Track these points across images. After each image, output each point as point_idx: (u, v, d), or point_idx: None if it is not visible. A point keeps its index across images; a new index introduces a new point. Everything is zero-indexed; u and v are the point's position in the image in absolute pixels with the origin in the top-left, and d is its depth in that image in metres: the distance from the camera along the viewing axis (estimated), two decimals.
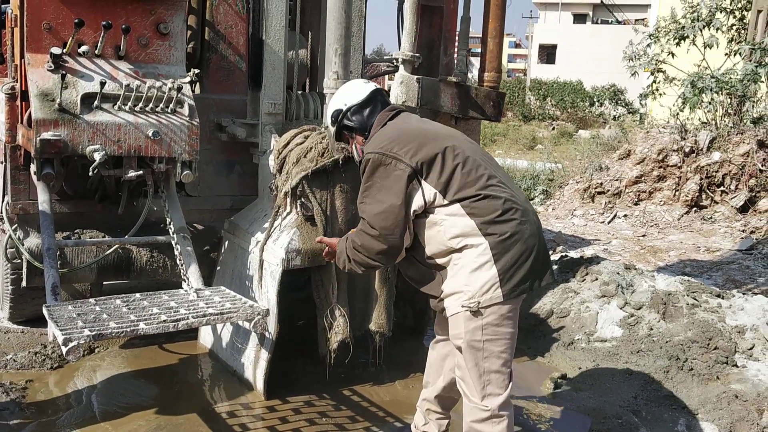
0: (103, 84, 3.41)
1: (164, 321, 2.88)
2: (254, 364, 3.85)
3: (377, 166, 2.74)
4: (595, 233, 8.79)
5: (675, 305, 4.80)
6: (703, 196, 9.09)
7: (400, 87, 4.41)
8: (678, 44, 10.96)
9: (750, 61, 9.96)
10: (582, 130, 24.32)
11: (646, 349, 4.44)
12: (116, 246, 3.90)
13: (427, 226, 2.77)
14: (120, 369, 4.03)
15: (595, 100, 29.15)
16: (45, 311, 2.99)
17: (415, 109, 4.35)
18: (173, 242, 3.75)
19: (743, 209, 8.77)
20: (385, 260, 2.84)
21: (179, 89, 3.57)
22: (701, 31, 10.78)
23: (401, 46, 4.41)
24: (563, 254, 6.44)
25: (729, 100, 9.69)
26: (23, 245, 3.83)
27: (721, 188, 9.04)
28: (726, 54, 11.16)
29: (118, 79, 3.63)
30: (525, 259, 2.69)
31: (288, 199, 3.79)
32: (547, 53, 37.03)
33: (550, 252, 5.63)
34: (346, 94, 3.02)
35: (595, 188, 9.62)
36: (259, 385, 3.79)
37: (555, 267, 5.61)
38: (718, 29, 10.78)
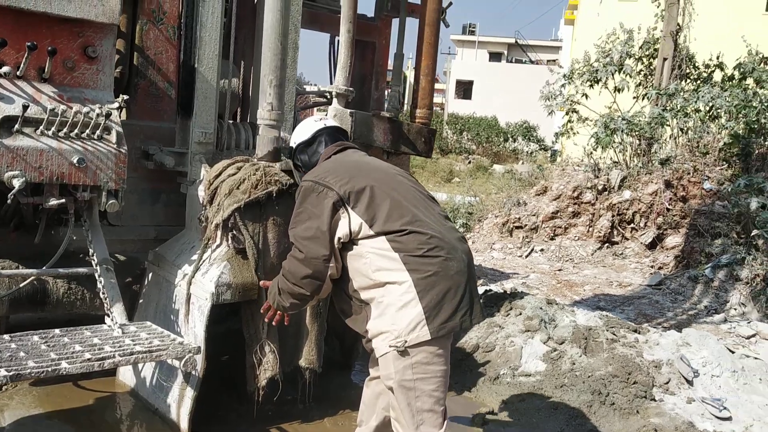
0: (26, 107, 3.24)
1: (88, 359, 2.73)
2: (178, 401, 3.69)
3: (309, 192, 2.80)
4: (514, 267, 8.98)
5: (595, 340, 4.94)
6: (615, 233, 9.46)
7: (334, 120, 4.39)
8: (591, 86, 11.48)
9: (656, 105, 10.53)
10: (497, 165, 25.01)
11: (569, 383, 4.53)
12: (33, 278, 3.68)
13: (353, 258, 2.79)
14: (31, 409, 3.79)
15: (509, 135, 30.08)
16: None
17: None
18: (96, 274, 3.58)
19: (652, 246, 9.18)
20: (309, 287, 2.81)
21: (108, 115, 3.44)
22: (613, 75, 11.33)
23: (335, 79, 4.41)
24: (487, 288, 6.54)
25: (638, 141, 10.18)
26: None
27: (631, 225, 9.43)
28: (634, 98, 11.77)
29: (42, 103, 3.46)
30: (452, 296, 2.68)
31: (219, 231, 3.70)
32: (464, 89, 38.02)
33: None
34: (296, 132, 3.19)
35: (513, 223, 9.86)
36: (183, 424, 3.63)
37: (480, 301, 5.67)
38: (627, 74, 11.36)
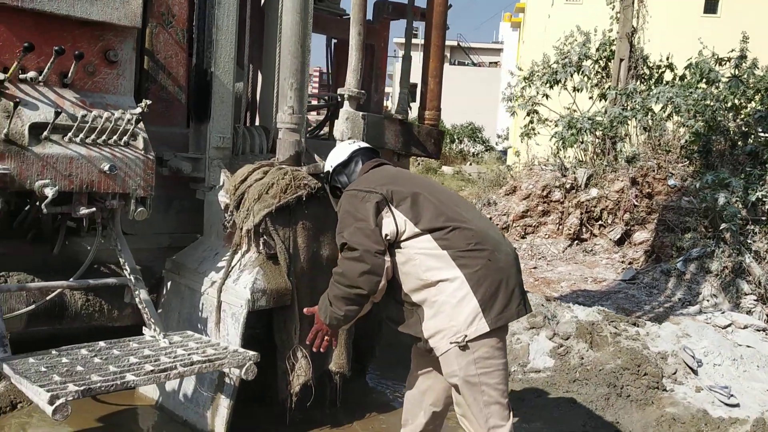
0: (58, 113, 3.13)
1: (152, 371, 2.65)
2: (213, 412, 3.62)
3: (351, 199, 2.83)
4: None
5: (599, 334, 5.06)
6: (584, 230, 9.69)
7: (346, 123, 4.39)
8: (551, 87, 11.74)
9: (614, 105, 10.84)
10: (445, 166, 25.23)
11: (581, 378, 4.64)
12: (58, 290, 3.55)
13: (401, 262, 2.79)
14: (55, 426, 3.65)
15: (455, 137, 30.39)
16: (4, 366, 2.67)
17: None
18: (130, 284, 3.48)
19: (620, 242, 9.44)
20: (367, 284, 2.72)
21: (138, 121, 3.35)
22: (571, 75, 11.62)
23: (347, 82, 4.40)
24: None
25: (602, 140, 10.46)
26: None
27: (600, 222, 9.68)
28: (590, 98, 12.09)
29: (66, 109, 3.35)
30: (504, 286, 2.72)
31: (249, 237, 3.64)
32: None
33: None
34: (331, 156, 3.18)
35: None
36: None
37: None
38: (585, 75, 11.66)
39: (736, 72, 10.04)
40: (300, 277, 3.69)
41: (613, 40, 11.67)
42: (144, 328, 3.40)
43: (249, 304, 3.48)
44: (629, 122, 10.31)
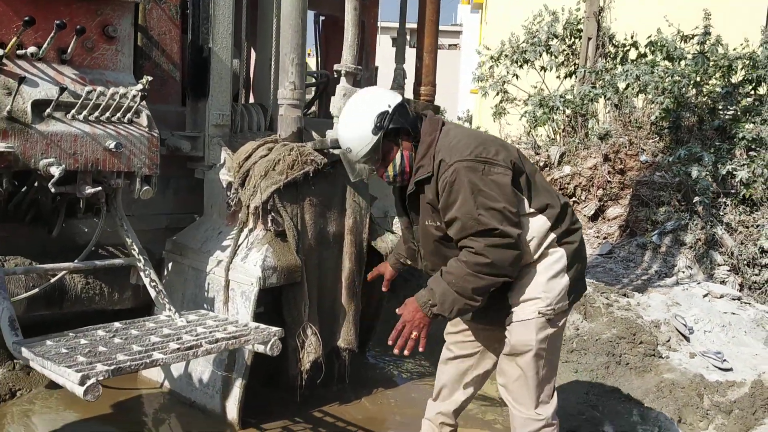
0: (63, 89, 3.03)
1: (178, 349, 2.60)
2: (224, 392, 3.58)
3: (474, 171, 2.43)
4: None
5: (592, 305, 5.14)
6: None
7: (343, 99, 4.32)
8: (521, 67, 11.80)
9: (583, 83, 10.95)
10: None
11: (579, 348, 4.71)
12: (63, 273, 3.46)
13: None
14: (61, 413, 3.57)
15: None
16: (23, 350, 2.59)
17: None
18: (140, 264, 3.40)
19: (594, 217, 9.57)
20: (515, 270, 2.51)
21: (144, 98, 3.27)
22: (540, 55, 11.70)
23: (343, 58, 4.34)
24: None
25: (573, 118, 10.57)
26: None
27: (573, 199, 9.80)
28: (557, 77, 12.19)
29: (66, 86, 3.24)
30: (583, 269, 2.74)
31: (256, 215, 3.59)
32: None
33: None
34: (380, 96, 2.64)
35: None
36: (232, 414, 3.54)
37: None
38: (553, 54, 11.76)
39: (701, 48, 10.22)
40: (308, 254, 3.66)
41: (580, 20, 11.77)
42: (155, 308, 3.32)
43: (260, 281, 3.43)
44: (599, 100, 10.43)
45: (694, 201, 8.16)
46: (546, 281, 2.60)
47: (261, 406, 3.73)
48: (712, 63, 10.02)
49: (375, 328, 4.53)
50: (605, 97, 10.43)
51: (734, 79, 9.89)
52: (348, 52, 4.35)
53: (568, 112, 10.72)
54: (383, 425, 3.69)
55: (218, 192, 3.87)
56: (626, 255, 8.43)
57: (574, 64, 11.97)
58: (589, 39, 11.53)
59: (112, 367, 2.35)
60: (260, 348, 2.87)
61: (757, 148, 8.56)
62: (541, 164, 9.94)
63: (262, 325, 3.04)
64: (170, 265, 3.96)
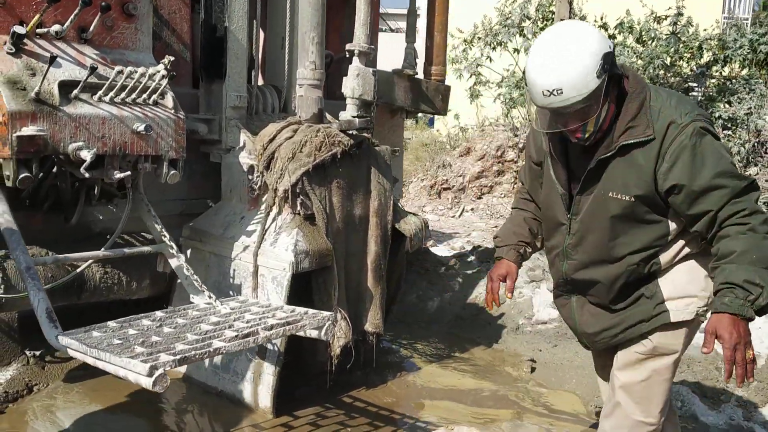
0: (93, 69, 2.88)
1: (236, 337, 2.52)
2: (254, 380, 3.50)
3: (710, 134, 2.11)
4: (452, 227, 9.17)
5: None
6: None
7: (357, 80, 4.22)
8: (494, 49, 11.83)
9: None
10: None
11: None
12: (91, 262, 3.32)
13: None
14: (85, 406, 3.44)
15: None
16: (73, 343, 2.47)
17: (372, 103, 4.23)
18: (173, 251, 3.28)
19: None
20: None
21: (172, 77, 3.14)
22: (513, 37, 11.73)
23: (356, 37, 4.25)
24: (475, 245, 6.66)
25: None
26: None
27: None
28: None
29: (87, 66, 3.10)
30: None
31: (284, 198, 3.50)
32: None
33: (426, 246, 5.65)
34: (600, 34, 2.11)
35: (441, 185, 10.04)
36: (265, 402, 3.46)
37: (473, 258, 5.79)
38: (526, 36, 11.81)
39: (674, 29, 10.38)
40: (336, 237, 3.59)
41: (552, 1, 11.83)
42: (192, 296, 3.22)
43: (293, 266, 3.35)
44: None
45: None
46: (704, 278, 2.25)
47: (291, 393, 3.66)
48: (682, 44, 10.19)
49: (392, 311, 4.49)
50: None
51: (703, 60, 10.10)
52: (361, 30, 4.25)
53: None
54: (413, 408, 3.67)
55: (238, 176, 3.76)
56: None
57: None
58: (562, 20, 11.56)
59: (178, 357, 2.26)
60: (314, 333, 2.81)
61: (733, 127, 8.75)
62: (520, 146, 10.00)
63: (312, 310, 2.97)
64: (189, 251, 3.84)
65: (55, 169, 3.24)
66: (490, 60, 11.88)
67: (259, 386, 3.48)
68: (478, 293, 5.25)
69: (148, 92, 3.14)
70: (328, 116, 4.08)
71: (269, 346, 3.44)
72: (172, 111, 3.27)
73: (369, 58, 4.25)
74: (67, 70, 3.01)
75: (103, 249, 3.27)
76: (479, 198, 9.95)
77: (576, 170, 2.28)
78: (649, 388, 2.32)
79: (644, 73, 9.97)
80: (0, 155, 2.82)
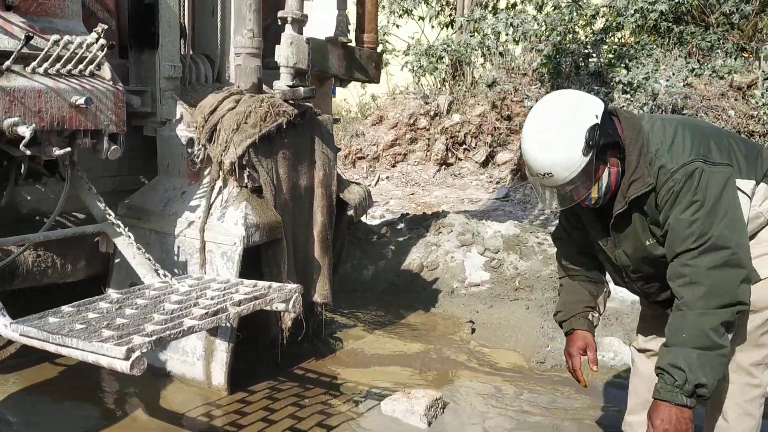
0: (29, 38, 2.69)
1: (206, 314, 2.45)
2: (206, 358, 3.43)
3: (700, 174, 2.02)
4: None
5: (525, 245, 5.38)
6: (450, 155, 10.05)
7: (290, 48, 4.15)
8: (401, 17, 11.85)
9: (462, 33, 11.20)
10: None
11: (524, 285, 4.93)
12: (30, 243, 3.12)
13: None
14: (24, 396, 3.26)
15: None
16: (31, 331, 2.33)
17: (307, 72, 4.17)
18: (121, 229, 3.13)
19: (485, 163, 9.92)
20: (747, 293, 2.01)
21: (111, 47, 2.97)
22: (419, 5, 11.80)
23: (288, 4, 4.16)
24: (403, 213, 6.71)
25: (458, 66, 10.81)
26: None
27: (464, 146, 10.09)
28: (432, 27, 12.37)
29: (16, 35, 2.89)
30: None
31: (231, 171, 3.41)
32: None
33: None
34: (585, 104, 2.07)
35: (355, 154, 10.03)
36: (219, 380, 3.40)
37: (402, 226, 5.85)
38: (431, 4, 11.90)
39: None
40: (283, 209, 3.55)
41: None
42: (143, 276, 3.09)
43: (244, 240, 3.29)
44: (480, 48, 10.71)
45: None
46: None
47: (244, 368, 3.60)
48: (578, 12, 10.55)
49: (334, 280, 4.49)
50: (485, 46, 10.71)
51: (597, 27, 10.52)
52: None
53: (447, 60, 10.94)
54: (365, 375, 3.69)
55: (176, 149, 3.63)
56: (522, 197, 8.83)
57: (450, 15, 12.18)
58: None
59: (153, 338, 2.17)
60: (281, 306, 2.77)
61: (632, 91, 9.18)
62: (432, 114, 10.11)
63: (276, 284, 2.92)
64: (126, 230, 3.68)
65: None
66: (397, 27, 11.91)
67: (212, 364, 3.41)
68: (412, 260, 5.32)
69: (84, 63, 2.97)
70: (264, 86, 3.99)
71: (223, 324, 3.36)
72: (111, 83, 3.10)
73: (302, 25, 4.18)
74: (7, 39, 2.80)
75: (42, 230, 3.09)
76: (394, 166, 10.02)
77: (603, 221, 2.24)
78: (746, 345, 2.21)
79: (546, 41, 10.28)
80: None
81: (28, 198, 3.50)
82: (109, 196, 3.81)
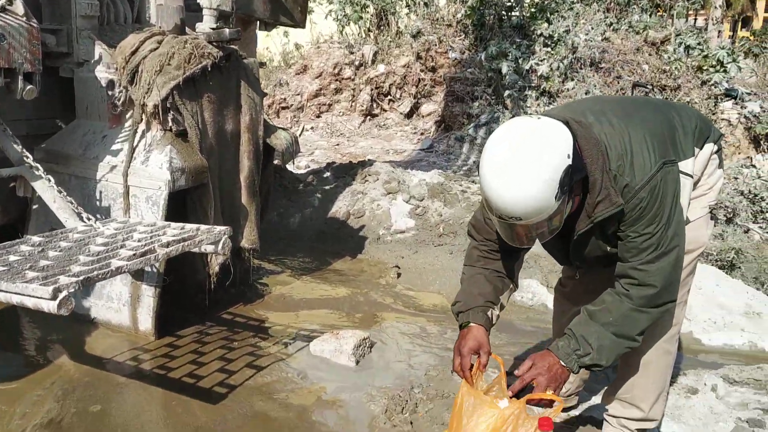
0: None
1: (134, 255, 2.43)
2: (132, 304, 3.39)
3: (663, 186, 2.00)
4: None
5: (449, 193, 5.49)
6: (375, 106, 10.07)
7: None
8: None
9: None
10: None
11: (448, 231, 5.05)
12: None
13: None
14: None
15: None
16: None
17: (231, 15, 4.07)
18: (39, 172, 3.03)
19: (410, 114, 9.99)
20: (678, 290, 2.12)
21: None
22: None
23: None
24: (329, 162, 6.70)
25: (382, 16, 10.75)
26: None
27: (389, 97, 10.11)
28: None
29: None
30: None
31: (154, 114, 3.33)
32: None
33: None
34: (556, 142, 1.85)
35: (279, 104, 9.91)
36: (146, 325, 3.38)
37: (328, 174, 5.86)
38: None
39: None
40: (209, 154, 3.50)
41: None
42: (65, 220, 3.01)
43: (169, 184, 3.24)
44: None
45: (504, 95, 8.80)
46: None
47: (169, 314, 3.58)
48: None
49: (260, 228, 4.48)
50: None
51: None
52: None
53: (372, 10, 10.87)
54: (294, 319, 3.74)
55: (96, 92, 3.52)
56: (446, 149, 8.96)
57: None
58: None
59: (81, 278, 2.14)
60: (210, 248, 2.76)
61: (552, 44, 9.37)
62: (357, 64, 10.06)
63: (205, 226, 2.90)
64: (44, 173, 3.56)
65: None
66: None
67: (139, 309, 3.38)
68: (338, 208, 5.36)
69: None
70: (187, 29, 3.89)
71: (147, 268, 3.33)
72: (24, 19, 2.96)
73: None
74: None
75: None
76: (318, 117, 9.96)
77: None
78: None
79: None
80: None
81: None
82: (24, 140, 3.65)
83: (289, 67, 10.63)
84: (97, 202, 3.43)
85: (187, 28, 3.87)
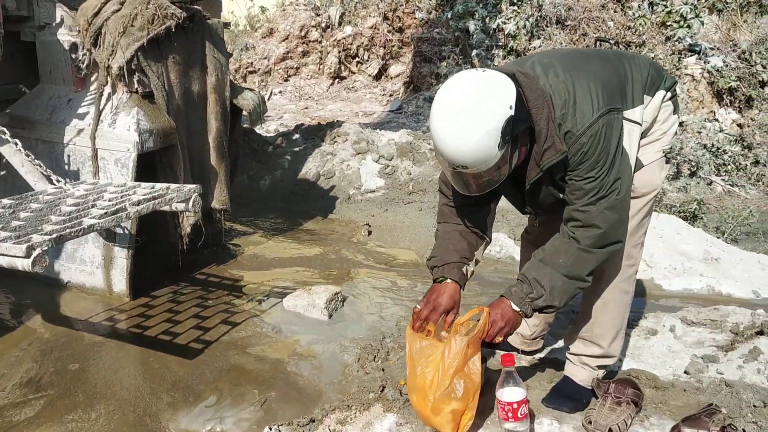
0: None
1: (105, 214, 2.46)
2: (105, 266, 3.43)
3: (605, 130, 2.04)
4: None
5: (418, 152, 5.55)
6: (343, 68, 10.03)
7: None
8: None
9: None
10: None
11: (417, 189, 5.12)
12: None
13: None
14: None
15: None
16: None
17: None
18: (6, 136, 3.02)
19: (378, 76, 9.98)
20: (625, 232, 2.17)
21: None
22: None
23: None
24: (298, 124, 6.70)
25: None
26: None
27: (357, 59, 10.08)
28: None
29: None
30: None
31: (119, 76, 3.33)
32: None
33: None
34: (499, 93, 1.91)
35: (246, 68, 9.83)
36: (121, 287, 3.42)
37: (297, 136, 5.88)
38: None
39: None
40: (176, 115, 3.52)
41: None
42: (34, 183, 3.02)
43: (137, 146, 3.26)
44: None
45: (471, 54, 8.82)
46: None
47: (143, 277, 3.62)
48: None
49: (230, 189, 4.51)
50: None
51: None
52: None
53: None
54: (267, 277, 3.80)
55: (59, 55, 3.50)
56: (415, 110, 8.99)
57: None
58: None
59: (54, 236, 2.17)
60: (180, 206, 2.79)
61: (519, 2, 9.38)
62: (323, 26, 10.00)
63: (175, 185, 2.93)
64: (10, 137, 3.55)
65: None
66: None
67: (112, 271, 3.42)
68: (308, 169, 5.40)
69: None
70: None
71: (119, 230, 3.36)
72: None
73: None
74: None
75: None
76: (286, 80, 9.91)
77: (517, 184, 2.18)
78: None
79: None
80: None
81: None
82: None
83: (255, 31, 10.52)
84: (66, 166, 3.43)
85: None
